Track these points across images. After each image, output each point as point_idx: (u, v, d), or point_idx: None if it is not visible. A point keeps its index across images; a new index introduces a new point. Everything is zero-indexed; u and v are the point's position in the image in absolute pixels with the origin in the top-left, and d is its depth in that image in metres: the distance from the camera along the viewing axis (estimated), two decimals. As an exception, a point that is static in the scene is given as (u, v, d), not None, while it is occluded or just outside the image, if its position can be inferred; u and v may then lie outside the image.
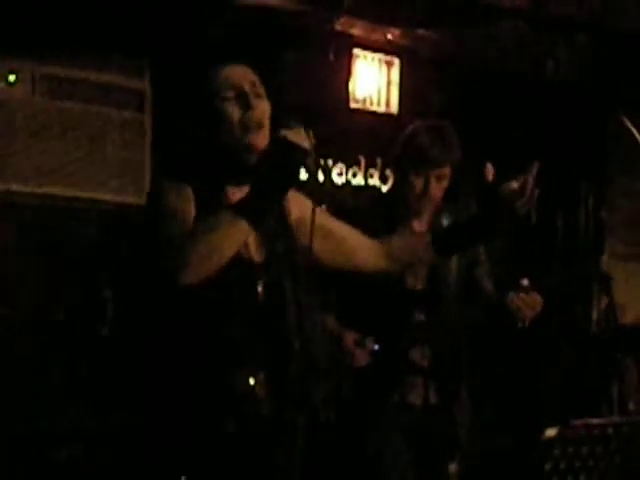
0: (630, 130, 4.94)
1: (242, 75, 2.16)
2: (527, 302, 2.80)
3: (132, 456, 3.74)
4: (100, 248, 4.01)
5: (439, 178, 3.03)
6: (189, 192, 2.08)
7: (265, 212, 2.01)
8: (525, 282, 2.82)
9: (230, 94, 2.12)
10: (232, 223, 1.96)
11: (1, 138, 3.88)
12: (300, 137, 1.97)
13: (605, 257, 5.49)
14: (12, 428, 3.70)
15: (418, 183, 3.01)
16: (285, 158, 1.97)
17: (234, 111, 2.11)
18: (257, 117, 2.12)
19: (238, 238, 1.98)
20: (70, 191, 4.01)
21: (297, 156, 1.97)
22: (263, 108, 2.14)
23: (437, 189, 3.04)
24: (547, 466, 2.00)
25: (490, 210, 2.38)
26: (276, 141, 1.99)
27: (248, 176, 2.08)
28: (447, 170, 3.04)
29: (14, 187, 3.90)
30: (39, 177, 3.95)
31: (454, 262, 3.10)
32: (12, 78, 3.91)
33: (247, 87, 2.14)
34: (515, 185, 2.47)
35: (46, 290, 3.91)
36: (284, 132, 1.97)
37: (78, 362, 3.91)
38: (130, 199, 4.11)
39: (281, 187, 2.01)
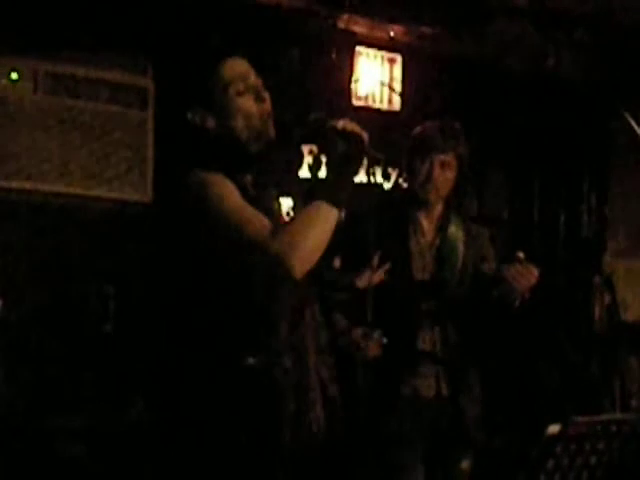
0: (632, 126, 4.93)
1: (245, 68, 2.23)
2: (522, 273, 2.77)
3: (137, 452, 3.76)
4: (103, 245, 4.02)
5: (443, 165, 3.06)
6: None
7: (345, 197, 2.08)
8: (521, 254, 2.81)
9: (241, 87, 2.17)
10: (326, 211, 2.03)
11: (3, 135, 3.89)
12: (355, 126, 2.12)
13: (607, 254, 5.49)
14: (13, 425, 3.71)
15: (422, 169, 3.06)
16: (349, 146, 2.10)
17: (250, 104, 2.18)
18: (269, 108, 2.21)
19: (333, 224, 2.05)
20: (73, 188, 4.01)
21: (359, 143, 2.10)
22: (269, 99, 2.22)
23: (442, 177, 3.07)
24: (549, 463, 2.00)
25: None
26: (334, 132, 2.10)
27: (258, 163, 2.21)
28: (451, 159, 3.07)
29: (16, 184, 3.90)
30: (42, 174, 3.95)
31: (461, 253, 3.13)
32: (15, 75, 3.91)
33: (254, 79, 2.20)
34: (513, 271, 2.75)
35: (49, 287, 3.91)
36: (340, 124, 2.10)
37: (80, 359, 3.91)
38: (133, 196, 4.11)
39: (351, 173, 2.10)
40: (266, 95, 2.21)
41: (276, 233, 1.99)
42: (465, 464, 3.06)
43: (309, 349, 2.18)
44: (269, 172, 2.32)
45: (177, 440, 2.12)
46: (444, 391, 3.06)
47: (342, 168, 2.09)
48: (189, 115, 2.19)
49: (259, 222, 2.03)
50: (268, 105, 2.21)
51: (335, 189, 2.06)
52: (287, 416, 2.10)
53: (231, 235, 2.01)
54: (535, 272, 2.80)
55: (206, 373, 2.09)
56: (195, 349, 2.12)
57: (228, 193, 2.08)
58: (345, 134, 2.10)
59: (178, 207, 2.15)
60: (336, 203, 2.04)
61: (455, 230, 3.16)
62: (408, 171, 3.14)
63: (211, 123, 2.18)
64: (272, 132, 2.21)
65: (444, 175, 3.07)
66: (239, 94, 2.17)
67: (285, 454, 2.11)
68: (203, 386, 2.10)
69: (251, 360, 2.07)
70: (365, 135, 2.12)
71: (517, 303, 2.86)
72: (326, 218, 2.03)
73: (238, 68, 2.21)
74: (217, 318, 2.09)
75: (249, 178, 2.22)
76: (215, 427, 2.07)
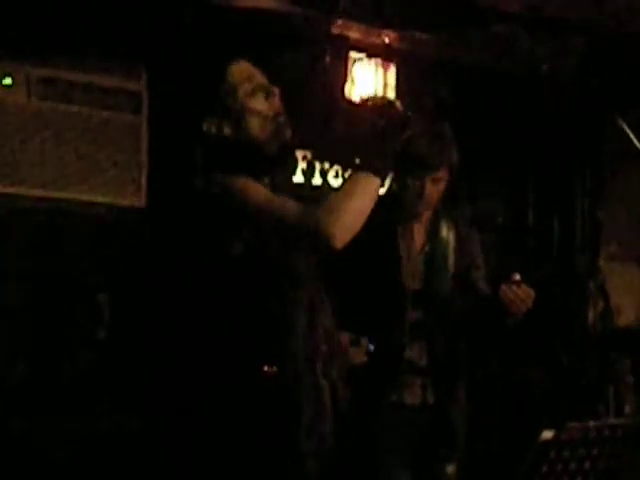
0: (625, 131, 4.94)
1: (250, 68, 2.24)
2: (519, 295, 2.75)
3: (128, 458, 3.75)
4: (97, 251, 4.01)
5: (435, 181, 3.04)
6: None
7: (385, 166, 2.11)
8: (517, 276, 2.78)
9: (249, 88, 2.18)
10: (366, 180, 2.06)
11: (-3, 141, 3.89)
12: (386, 97, 2.14)
13: (601, 259, 5.50)
14: (8, 429, 3.71)
15: (414, 186, 3.03)
16: (388, 116, 2.12)
17: (261, 102, 2.20)
18: (279, 102, 2.23)
19: (374, 192, 2.08)
20: (66, 194, 4.01)
21: (394, 113, 2.13)
22: (278, 92, 2.24)
23: (433, 191, 3.06)
24: (543, 469, 2.00)
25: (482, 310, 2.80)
26: (371, 109, 2.14)
27: (272, 165, 2.23)
28: (443, 173, 3.05)
29: (9, 190, 3.90)
30: (35, 180, 3.94)
31: (451, 263, 3.11)
32: (8, 81, 3.91)
33: (260, 78, 2.22)
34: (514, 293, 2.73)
35: (41, 293, 3.91)
36: (370, 102, 2.17)
37: (74, 366, 3.91)
38: (127, 202, 4.10)
39: (392, 142, 2.13)
40: (276, 90, 2.23)
41: (316, 207, 2.03)
42: (450, 469, 3.05)
43: (319, 354, 2.18)
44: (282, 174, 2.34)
45: (186, 448, 2.11)
46: (430, 399, 3.04)
47: (383, 139, 2.11)
48: (205, 126, 2.20)
49: (293, 204, 2.09)
50: (278, 99, 2.22)
51: (375, 159, 2.09)
52: (303, 422, 2.10)
53: (272, 221, 2.05)
54: (532, 294, 2.77)
55: (220, 381, 2.09)
56: (206, 357, 2.11)
57: (254, 187, 2.12)
58: (380, 108, 2.13)
59: (197, 211, 2.17)
60: (376, 172, 2.07)
61: (446, 234, 3.15)
62: (397, 182, 3.10)
63: (227, 130, 2.19)
64: (288, 133, 2.23)
65: (436, 188, 3.05)
66: (249, 95, 2.19)
67: (301, 460, 2.11)
68: (216, 394, 2.09)
69: (267, 368, 2.06)
70: (398, 103, 2.16)
71: (511, 323, 2.84)
72: (366, 186, 2.06)
73: (243, 70, 2.23)
74: (232, 324, 2.08)
75: (267, 180, 2.24)
76: (226, 433, 2.07)
